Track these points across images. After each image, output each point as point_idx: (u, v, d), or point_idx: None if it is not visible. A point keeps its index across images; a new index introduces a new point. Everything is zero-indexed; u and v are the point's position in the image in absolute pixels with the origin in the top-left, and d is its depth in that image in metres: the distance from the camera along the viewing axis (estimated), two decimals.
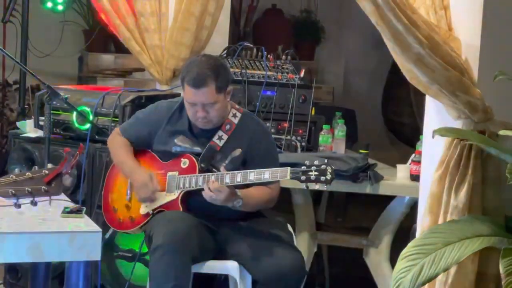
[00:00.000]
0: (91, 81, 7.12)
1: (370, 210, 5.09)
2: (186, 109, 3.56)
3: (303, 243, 4.27)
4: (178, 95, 4.46)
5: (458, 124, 2.91)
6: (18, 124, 4.78)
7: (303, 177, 3.28)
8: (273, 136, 4.09)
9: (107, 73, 7.12)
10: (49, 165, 2.26)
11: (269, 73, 4.53)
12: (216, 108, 3.50)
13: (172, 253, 3.32)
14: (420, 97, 5.05)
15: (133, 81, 6.93)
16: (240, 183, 3.41)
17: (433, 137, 2.76)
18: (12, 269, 4.49)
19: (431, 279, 2.40)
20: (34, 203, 2.24)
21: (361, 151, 4.33)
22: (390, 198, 4.28)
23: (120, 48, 6.82)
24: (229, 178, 3.39)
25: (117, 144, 3.73)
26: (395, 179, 4.12)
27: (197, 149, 3.59)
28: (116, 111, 4.25)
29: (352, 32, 7.95)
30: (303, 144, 4.43)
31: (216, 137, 3.57)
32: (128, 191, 3.68)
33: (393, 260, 4.21)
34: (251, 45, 4.71)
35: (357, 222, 5.71)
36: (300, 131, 4.47)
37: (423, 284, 2.39)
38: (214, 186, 3.36)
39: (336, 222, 5.74)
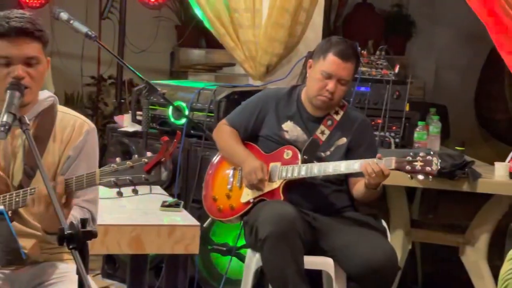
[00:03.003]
0: (183, 76, 7.22)
1: (461, 207, 5.01)
2: (312, 83, 3.56)
3: (398, 240, 4.23)
4: None
5: None
6: (115, 118, 4.88)
7: (408, 167, 3.25)
8: None
9: (198, 68, 7.22)
10: (148, 154, 2.29)
11: (363, 69, 4.50)
12: (344, 89, 3.56)
13: (285, 239, 3.31)
14: None
15: (223, 76, 7.00)
16: (343, 173, 3.43)
17: None
18: (110, 259, 4.59)
19: None
20: (135, 192, 2.29)
21: (457, 148, 4.27)
22: (482, 196, 4.19)
23: (211, 43, 6.90)
24: (332, 168, 3.42)
25: (226, 134, 3.75)
26: (493, 176, 4.02)
27: (303, 134, 3.61)
28: (211, 106, 4.30)
29: (444, 27, 7.82)
30: (397, 140, 4.38)
31: (319, 131, 3.60)
32: (230, 181, 3.71)
33: (490, 259, 4.16)
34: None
35: (448, 219, 5.63)
36: (394, 127, 4.42)
37: None
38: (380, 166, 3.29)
39: (427, 219, 5.67)
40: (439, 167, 3.24)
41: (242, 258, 4.02)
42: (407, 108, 4.45)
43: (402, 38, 7.92)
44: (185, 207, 3.58)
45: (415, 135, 4.30)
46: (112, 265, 4.61)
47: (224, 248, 4.19)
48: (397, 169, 3.29)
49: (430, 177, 3.24)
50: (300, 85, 3.74)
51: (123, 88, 5.69)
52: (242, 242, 3.92)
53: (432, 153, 3.25)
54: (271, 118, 3.67)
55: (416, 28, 7.92)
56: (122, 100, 5.48)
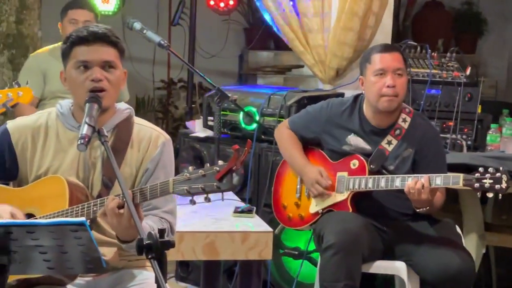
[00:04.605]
0: (251, 78, 7.27)
1: None
2: (370, 89, 3.53)
3: (472, 243, 4.17)
4: (342, 95, 4.48)
5: None
6: (187, 124, 4.94)
7: (476, 185, 3.20)
8: None
9: (266, 70, 7.24)
10: (220, 162, 2.33)
11: (434, 71, 4.46)
12: (403, 82, 3.53)
13: (344, 252, 3.34)
14: None
15: (292, 77, 7.00)
16: None
17: None
18: (184, 263, 4.66)
19: None
20: (208, 200, 2.33)
21: None
22: None
23: (280, 45, 6.92)
24: (399, 182, 3.39)
25: (286, 137, 3.80)
26: None
27: (368, 148, 3.60)
28: (281, 111, 4.32)
29: None
30: (469, 143, 4.33)
31: (385, 141, 3.58)
32: (298, 188, 3.75)
33: None
34: (415, 43, 4.63)
35: None
36: (466, 130, 4.37)
37: None
38: (417, 186, 3.28)
39: (501, 220, 5.58)
40: (509, 186, 3.16)
41: (313, 262, 4.04)
42: (479, 110, 4.39)
43: (472, 36, 7.81)
44: (257, 212, 3.61)
45: (488, 137, 4.25)
46: (185, 268, 4.68)
47: (296, 252, 4.21)
48: (465, 186, 3.24)
49: (500, 195, 3.18)
50: (362, 94, 3.68)
51: (193, 92, 5.76)
52: (313, 246, 3.94)
53: (501, 169, 3.19)
54: (335, 130, 3.67)
55: (488, 25, 7.79)
56: (193, 105, 5.54)
